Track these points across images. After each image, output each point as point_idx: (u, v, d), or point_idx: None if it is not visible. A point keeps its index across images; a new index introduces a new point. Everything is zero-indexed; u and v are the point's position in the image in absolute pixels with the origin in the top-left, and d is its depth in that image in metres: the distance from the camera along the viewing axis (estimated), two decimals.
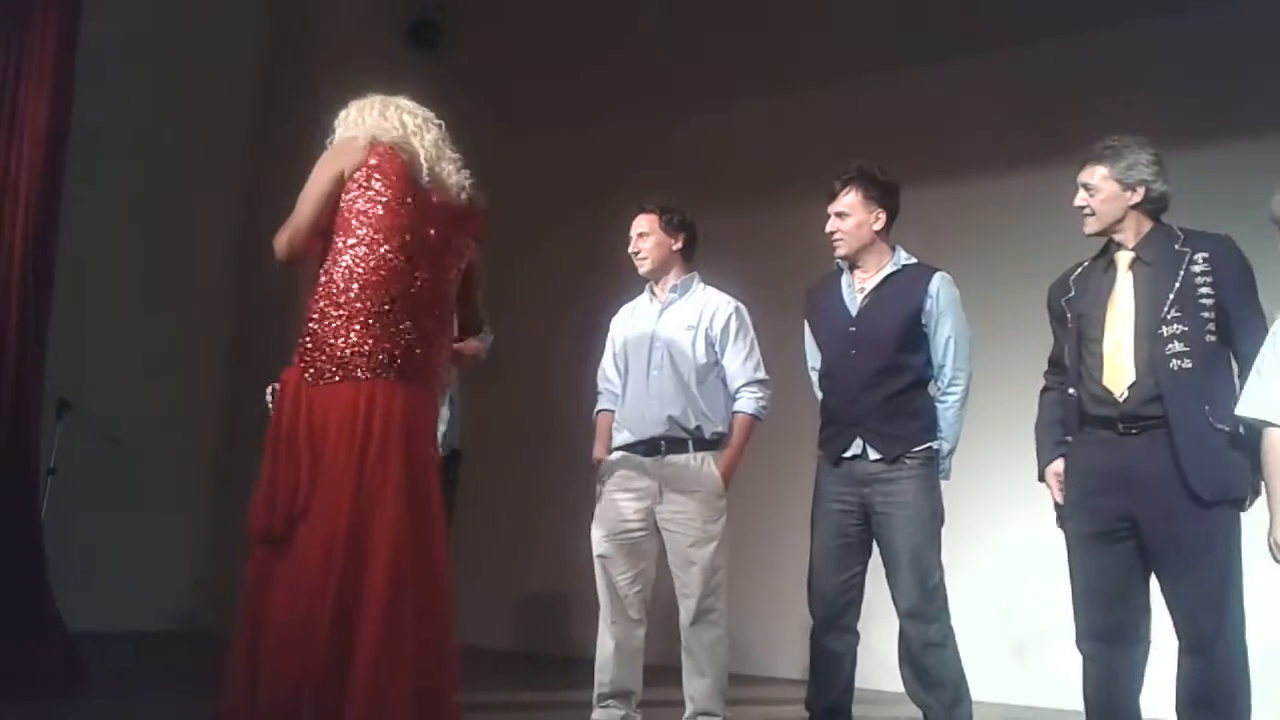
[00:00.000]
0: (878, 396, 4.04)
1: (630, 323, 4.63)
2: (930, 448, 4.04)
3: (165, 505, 7.14)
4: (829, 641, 4.09)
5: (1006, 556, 6.07)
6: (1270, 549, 3.20)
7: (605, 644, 4.39)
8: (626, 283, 4.71)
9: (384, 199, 3.07)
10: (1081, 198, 3.61)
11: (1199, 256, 3.46)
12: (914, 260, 4.20)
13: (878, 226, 4.16)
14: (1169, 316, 3.43)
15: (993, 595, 5.92)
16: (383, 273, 3.02)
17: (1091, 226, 3.62)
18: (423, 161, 3.15)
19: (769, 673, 6.81)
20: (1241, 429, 3.33)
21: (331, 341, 2.99)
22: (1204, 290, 3.43)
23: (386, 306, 3.01)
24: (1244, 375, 3.34)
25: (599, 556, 4.42)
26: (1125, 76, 6.24)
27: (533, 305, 7.58)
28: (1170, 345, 3.41)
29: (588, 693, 4.44)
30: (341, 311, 3.01)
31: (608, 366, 4.66)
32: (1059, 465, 3.67)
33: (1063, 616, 3.65)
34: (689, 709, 4.31)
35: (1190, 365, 3.38)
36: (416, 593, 2.96)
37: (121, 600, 6.75)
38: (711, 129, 7.74)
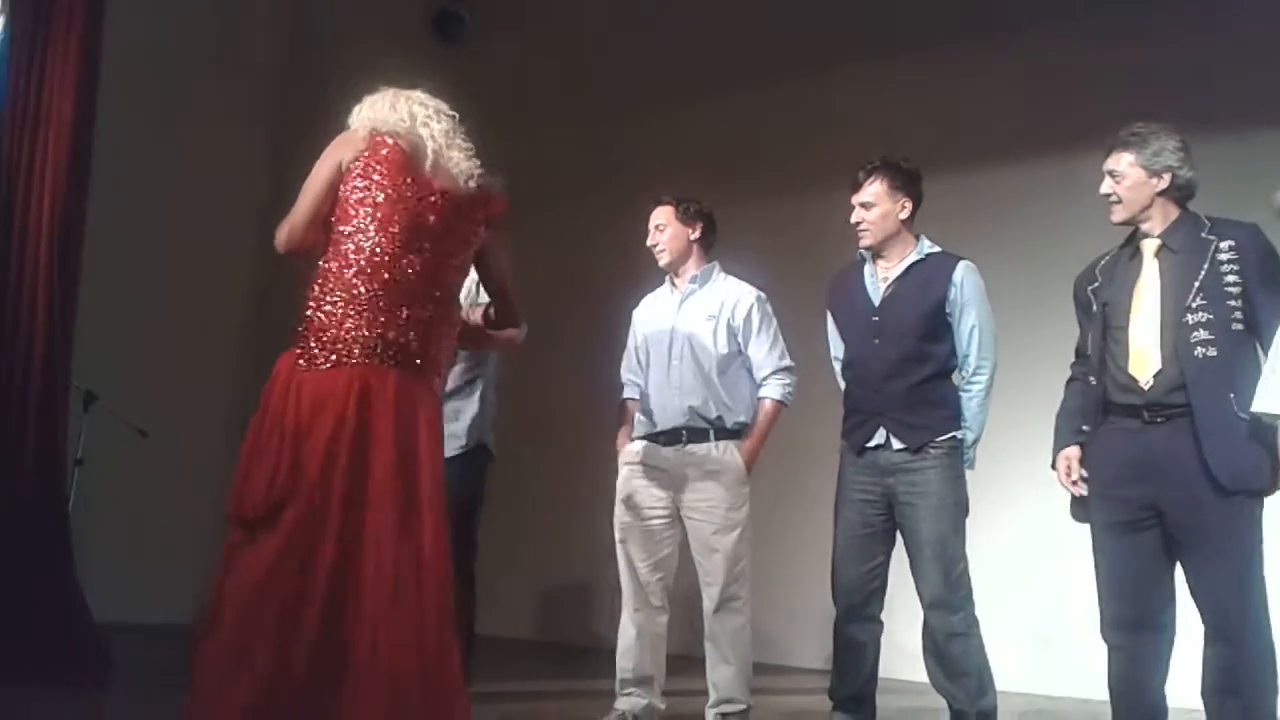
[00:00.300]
0: (901, 386, 4.03)
1: (651, 314, 4.64)
2: (954, 437, 4.02)
3: (193, 497, 7.18)
4: (852, 631, 4.09)
5: (1030, 546, 6.05)
6: None
7: (627, 631, 4.41)
8: (653, 274, 4.72)
9: (380, 188, 3.08)
10: (1108, 185, 3.58)
11: (1225, 244, 3.44)
12: (938, 249, 4.18)
13: (903, 215, 4.15)
14: (1194, 305, 3.41)
15: (1017, 585, 5.89)
16: (376, 260, 3.03)
17: (1119, 215, 3.60)
18: (429, 151, 3.15)
19: (790, 662, 6.82)
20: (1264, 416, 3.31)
21: (324, 327, 3.01)
22: (1230, 278, 3.40)
23: (380, 292, 3.01)
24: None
25: (621, 544, 4.45)
26: (1151, 63, 6.18)
27: (558, 297, 7.58)
28: (1195, 333, 3.38)
29: (612, 681, 4.46)
30: (334, 298, 3.02)
31: (630, 358, 4.68)
32: (1071, 451, 3.65)
33: (1087, 606, 3.63)
34: (713, 696, 4.32)
35: (1215, 354, 3.36)
36: (397, 586, 2.87)
37: (149, 592, 6.79)
38: (737, 120, 7.72)
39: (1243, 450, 3.32)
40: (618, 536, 4.46)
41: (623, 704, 4.37)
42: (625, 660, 4.40)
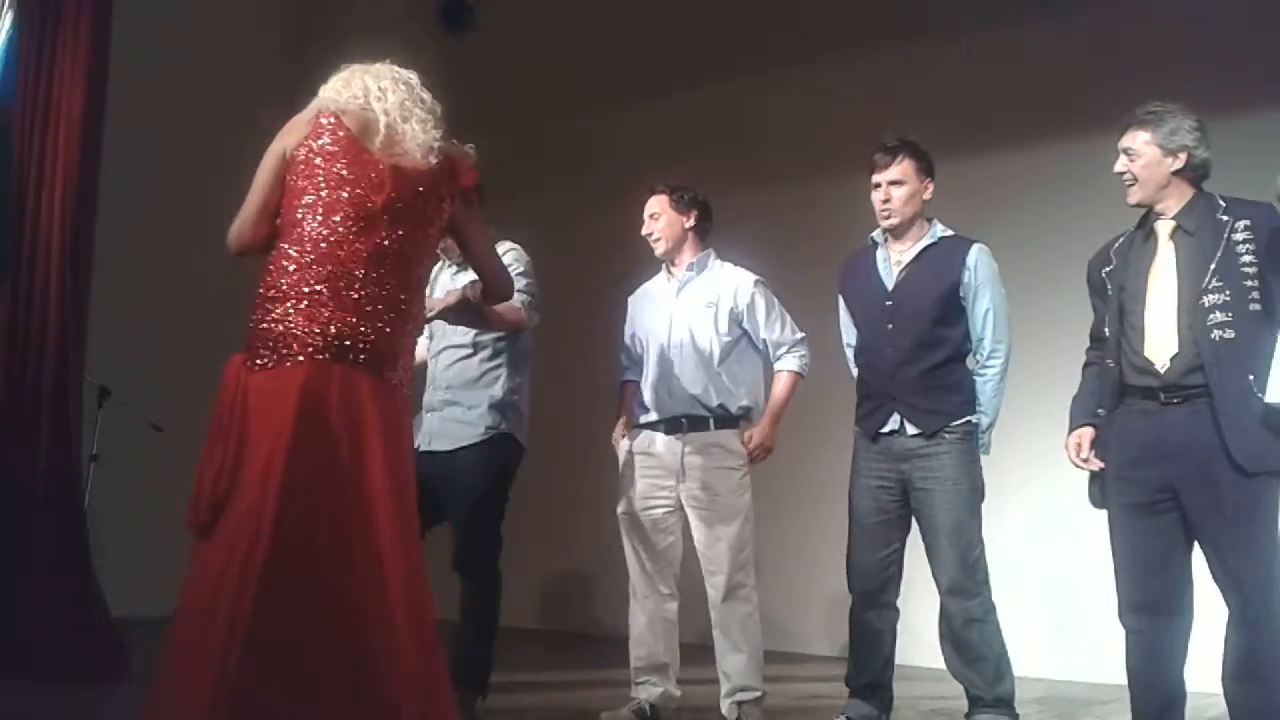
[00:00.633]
0: (915, 370, 4.01)
1: (648, 303, 4.63)
2: (969, 422, 4.00)
3: None
4: (869, 617, 4.07)
5: (1046, 530, 6.02)
6: None
7: (637, 619, 4.41)
8: (659, 264, 4.69)
9: (322, 172, 2.92)
10: (1122, 163, 3.54)
11: (1240, 224, 3.40)
12: (951, 233, 4.16)
13: (927, 196, 4.13)
14: (1210, 286, 3.37)
15: (1033, 570, 5.87)
16: (321, 251, 2.87)
17: (1135, 196, 3.55)
18: (381, 127, 2.97)
19: (804, 649, 6.80)
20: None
21: (265, 325, 2.87)
22: (1246, 259, 3.37)
23: (323, 285, 2.85)
24: None
25: (625, 532, 4.44)
26: (1163, 46, 6.14)
27: (565, 288, 7.56)
28: (1212, 315, 3.35)
29: (625, 670, 4.45)
30: (275, 294, 2.87)
31: (628, 344, 4.66)
32: (1083, 431, 3.61)
33: (1104, 590, 3.61)
34: (726, 685, 4.31)
35: (1233, 335, 3.33)
36: (347, 591, 2.74)
37: (164, 586, 6.75)
38: (742, 107, 7.68)
39: (1262, 432, 3.29)
40: (622, 526, 4.46)
41: (639, 693, 4.36)
42: (638, 648, 4.39)
